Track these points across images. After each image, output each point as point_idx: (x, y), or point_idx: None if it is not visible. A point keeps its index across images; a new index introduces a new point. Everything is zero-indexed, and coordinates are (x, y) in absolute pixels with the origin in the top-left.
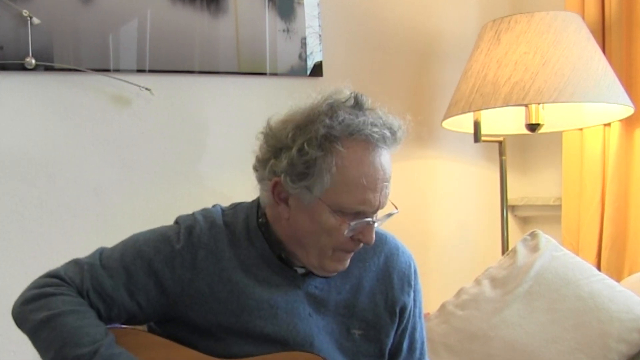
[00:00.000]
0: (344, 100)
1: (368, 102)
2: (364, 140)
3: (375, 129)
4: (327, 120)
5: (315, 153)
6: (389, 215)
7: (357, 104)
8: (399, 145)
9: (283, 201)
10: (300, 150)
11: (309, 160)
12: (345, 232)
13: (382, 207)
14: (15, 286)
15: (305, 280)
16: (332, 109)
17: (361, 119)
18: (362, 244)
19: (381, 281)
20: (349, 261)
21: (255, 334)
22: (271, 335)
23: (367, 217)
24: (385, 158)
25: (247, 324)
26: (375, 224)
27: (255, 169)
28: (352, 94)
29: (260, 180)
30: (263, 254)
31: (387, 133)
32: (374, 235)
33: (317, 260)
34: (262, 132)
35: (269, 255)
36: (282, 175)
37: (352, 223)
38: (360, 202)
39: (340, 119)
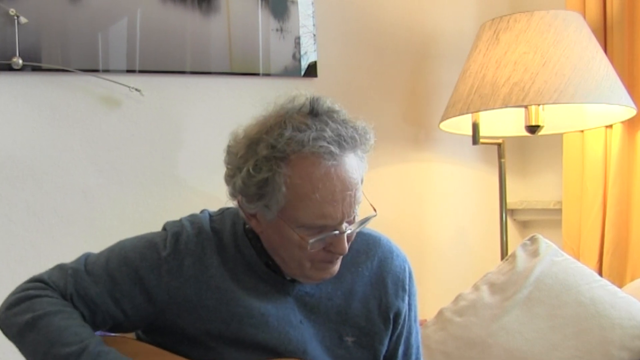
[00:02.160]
0: (298, 108)
1: (325, 105)
2: (309, 156)
3: (321, 143)
4: (272, 140)
5: (263, 175)
6: (364, 220)
7: (313, 110)
8: (362, 147)
9: (252, 217)
10: (249, 172)
11: (259, 182)
12: (309, 248)
13: (351, 217)
14: (1, 291)
15: (294, 286)
16: (280, 122)
17: (306, 133)
18: (338, 255)
19: (375, 286)
20: (337, 266)
21: (246, 342)
22: (262, 344)
23: (333, 230)
24: (344, 167)
25: (238, 332)
26: (347, 233)
27: (226, 183)
28: (308, 100)
29: (231, 195)
30: (251, 261)
31: (333, 147)
32: (345, 246)
33: (299, 272)
34: (227, 146)
35: (257, 262)
36: (240, 196)
37: (312, 240)
38: (318, 217)
39: (285, 137)
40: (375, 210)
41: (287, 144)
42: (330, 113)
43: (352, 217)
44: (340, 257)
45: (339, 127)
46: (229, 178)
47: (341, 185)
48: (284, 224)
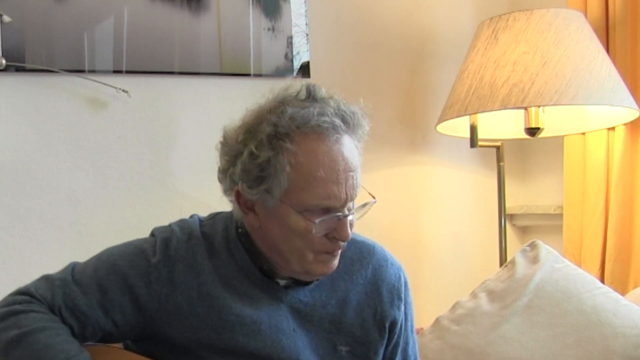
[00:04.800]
0: (295, 94)
1: (322, 91)
2: (314, 132)
3: (324, 118)
4: (274, 118)
5: (266, 154)
6: (365, 205)
7: (310, 96)
8: (359, 131)
9: (250, 210)
10: (251, 154)
11: (261, 163)
12: (314, 232)
13: (352, 200)
14: None
15: (288, 293)
16: (280, 105)
17: (308, 110)
18: (342, 243)
19: (369, 295)
20: (337, 261)
21: (238, 351)
22: (255, 353)
23: (336, 212)
24: (345, 147)
25: (229, 341)
26: (350, 217)
27: (220, 180)
28: (304, 86)
29: (225, 191)
30: (243, 265)
31: (338, 121)
32: (349, 231)
33: (300, 267)
34: (219, 142)
35: (250, 267)
36: (240, 183)
37: (318, 220)
38: (323, 197)
39: (287, 114)
40: (374, 197)
41: (291, 120)
42: (327, 97)
43: (353, 202)
44: (340, 251)
45: (340, 105)
46: (224, 172)
47: (345, 164)
48: (286, 209)
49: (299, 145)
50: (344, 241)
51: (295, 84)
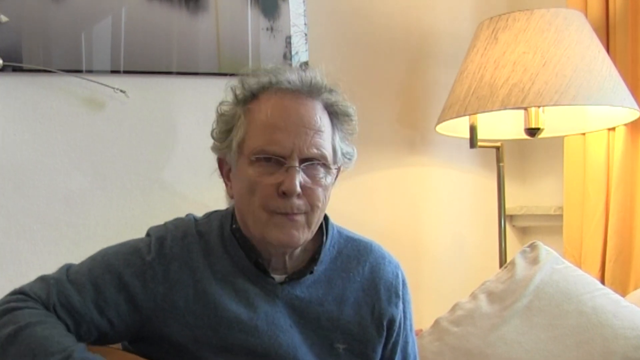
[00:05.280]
0: (268, 65)
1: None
2: (278, 90)
3: (289, 76)
4: (243, 79)
5: (231, 108)
6: (312, 161)
7: (277, 67)
8: (327, 95)
9: (227, 178)
10: (222, 112)
11: (227, 119)
12: (259, 177)
13: (306, 156)
14: None
15: (284, 289)
16: (253, 68)
17: (275, 74)
18: (295, 201)
19: (367, 292)
20: (297, 233)
21: (235, 348)
22: (252, 349)
23: (284, 164)
24: (306, 106)
25: (226, 338)
26: (300, 172)
27: (213, 150)
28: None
29: (218, 156)
30: (238, 261)
31: (295, 77)
32: (295, 183)
33: (258, 231)
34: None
35: (245, 263)
36: (214, 142)
37: (264, 164)
38: (268, 142)
39: (254, 73)
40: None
41: (258, 79)
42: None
43: (310, 159)
44: (300, 218)
45: (304, 72)
46: (213, 145)
47: (298, 119)
48: (241, 162)
49: (258, 98)
50: (291, 195)
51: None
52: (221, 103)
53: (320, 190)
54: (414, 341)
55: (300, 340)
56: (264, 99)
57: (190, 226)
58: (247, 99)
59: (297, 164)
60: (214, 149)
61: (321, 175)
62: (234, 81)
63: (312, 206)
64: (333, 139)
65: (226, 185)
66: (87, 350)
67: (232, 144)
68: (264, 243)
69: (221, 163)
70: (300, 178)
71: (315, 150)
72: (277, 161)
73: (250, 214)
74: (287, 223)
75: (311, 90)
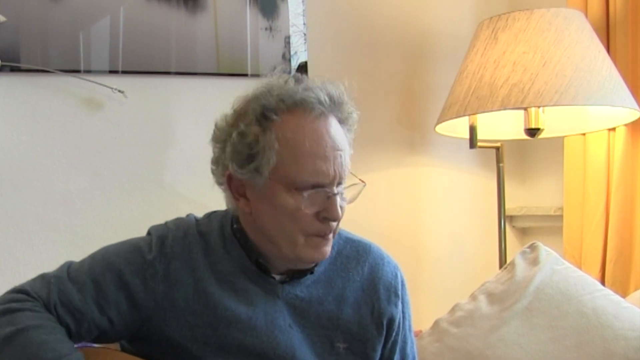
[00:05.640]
0: (283, 81)
1: (307, 79)
2: (301, 107)
3: (309, 93)
4: (262, 99)
5: (255, 132)
6: (354, 185)
7: (297, 81)
8: (346, 113)
9: (241, 195)
10: (241, 133)
11: (250, 142)
12: (303, 207)
13: (341, 179)
14: None
15: (284, 289)
16: (268, 87)
17: (295, 87)
18: (332, 224)
19: (366, 292)
20: (329, 248)
21: (234, 347)
22: (250, 349)
23: (325, 189)
24: (332, 125)
25: (225, 337)
26: (339, 196)
27: (213, 172)
28: (291, 75)
29: (218, 181)
30: (239, 261)
31: (323, 95)
32: (338, 210)
33: (291, 252)
34: (213, 131)
35: (246, 263)
36: (230, 164)
37: (306, 194)
38: (311, 173)
39: (274, 93)
40: (363, 182)
41: (277, 98)
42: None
43: (343, 182)
44: (332, 235)
45: (326, 84)
46: (216, 161)
47: (331, 142)
48: (276, 188)
49: (286, 120)
50: (334, 221)
51: (281, 76)
52: (225, 116)
53: (345, 205)
54: (413, 342)
55: (300, 340)
56: (292, 121)
57: (191, 226)
58: (273, 120)
59: (337, 191)
60: (231, 171)
61: (345, 191)
62: (248, 98)
63: (339, 221)
64: (349, 150)
65: (237, 200)
66: (83, 358)
67: (261, 170)
68: (289, 259)
69: (231, 180)
70: (339, 202)
71: (347, 171)
72: (318, 189)
73: (285, 237)
74: (322, 242)
75: (334, 107)
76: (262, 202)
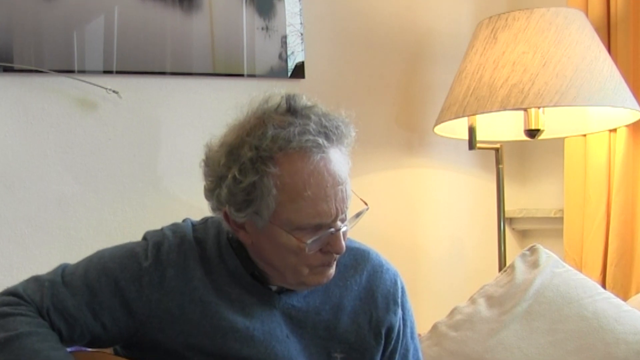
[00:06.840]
0: (275, 107)
1: (302, 102)
2: (297, 152)
3: (306, 137)
4: (255, 141)
5: (250, 178)
6: (359, 215)
7: (290, 108)
8: (346, 140)
9: (241, 228)
10: (235, 179)
11: (246, 187)
12: (307, 250)
13: (343, 213)
14: None
15: (281, 298)
16: (260, 123)
17: (289, 130)
18: (336, 255)
19: (364, 301)
20: (333, 270)
21: (230, 357)
22: (247, 359)
23: (328, 229)
24: (332, 162)
25: (222, 347)
26: (342, 230)
27: (207, 198)
28: (284, 98)
29: (213, 210)
30: (235, 271)
31: (321, 139)
32: (343, 244)
33: (295, 280)
34: (202, 161)
35: (242, 273)
36: (227, 206)
37: (310, 241)
38: (313, 216)
39: (268, 135)
40: (366, 204)
41: (272, 142)
42: (308, 108)
43: (344, 214)
44: (336, 258)
45: (322, 119)
46: (210, 192)
47: (332, 180)
48: (277, 230)
49: (283, 166)
50: (338, 254)
51: (274, 96)
52: (218, 147)
53: (348, 230)
54: (416, 348)
55: (297, 350)
56: (290, 166)
57: (187, 233)
58: (266, 163)
59: (340, 226)
60: (228, 212)
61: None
62: (241, 134)
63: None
64: (348, 171)
65: (236, 232)
66: None
67: (260, 214)
68: (292, 285)
69: (229, 216)
70: (342, 234)
71: (348, 202)
72: (322, 229)
73: (289, 269)
74: (327, 269)
75: (333, 143)
76: (263, 238)
